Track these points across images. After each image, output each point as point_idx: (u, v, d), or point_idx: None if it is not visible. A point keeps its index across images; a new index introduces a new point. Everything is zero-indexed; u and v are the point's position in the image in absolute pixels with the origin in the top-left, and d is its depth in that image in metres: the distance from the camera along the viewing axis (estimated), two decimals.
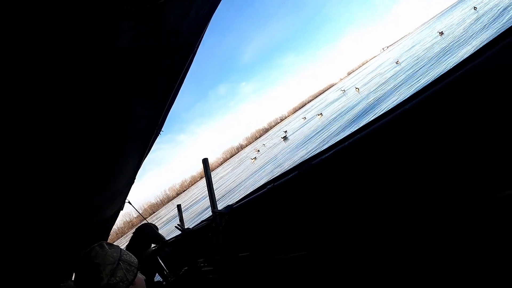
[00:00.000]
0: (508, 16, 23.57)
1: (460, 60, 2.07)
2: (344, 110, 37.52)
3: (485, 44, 1.97)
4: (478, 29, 27.39)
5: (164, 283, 4.25)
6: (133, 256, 1.98)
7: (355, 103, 37.11)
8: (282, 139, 58.07)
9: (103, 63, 1.75)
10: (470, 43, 24.35)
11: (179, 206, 5.37)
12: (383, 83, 36.38)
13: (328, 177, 2.66)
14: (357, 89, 51.01)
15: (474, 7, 44.13)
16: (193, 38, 2.28)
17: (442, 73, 2.13)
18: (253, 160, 60.25)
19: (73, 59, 1.54)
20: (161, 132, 3.15)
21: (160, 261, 4.57)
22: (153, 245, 4.79)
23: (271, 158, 42.32)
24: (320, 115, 53.49)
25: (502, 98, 1.89)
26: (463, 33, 31.38)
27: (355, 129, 2.55)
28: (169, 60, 2.25)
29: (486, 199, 2.07)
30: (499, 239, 1.98)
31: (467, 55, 2.03)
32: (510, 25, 1.92)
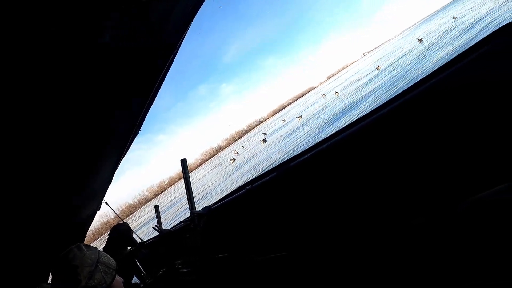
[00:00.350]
0: (483, 25, 24.36)
1: (431, 71, 2.23)
2: (323, 113, 37.97)
3: (453, 58, 2.15)
4: (453, 37, 28.19)
5: (141, 285, 4.21)
6: (111, 258, 1.94)
7: (333, 106, 37.53)
8: (261, 141, 58.11)
9: (84, 60, 1.73)
10: (445, 49, 25.04)
11: (156, 207, 5.33)
12: (362, 87, 36.85)
13: (306, 178, 2.70)
14: (336, 93, 51.31)
15: (454, 17, 45.25)
16: (175, 38, 2.27)
17: (415, 82, 2.29)
18: (232, 161, 60.14)
19: (53, 55, 1.52)
20: (140, 132, 3.12)
21: (137, 263, 4.52)
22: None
23: (250, 160, 42.33)
24: (300, 118, 53.87)
25: (468, 108, 2.06)
26: (440, 40, 32.14)
27: (333, 132, 2.62)
28: (151, 59, 2.24)
29: (448, 210, 2.21)
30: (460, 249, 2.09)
31: (438, 66, 2.19)
32: (476, 41, 2.11)
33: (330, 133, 2.71)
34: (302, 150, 2.82)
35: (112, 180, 4.03)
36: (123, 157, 3.50)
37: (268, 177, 2.94)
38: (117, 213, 4.94)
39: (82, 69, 1.80)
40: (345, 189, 2.55)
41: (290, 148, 28.72)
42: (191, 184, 3.70)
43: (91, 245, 1.94)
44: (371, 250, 2.53)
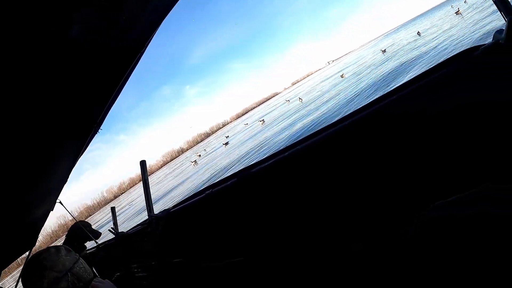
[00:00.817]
0: (442, 40, 25.69)
1: (377, 96, 2.46)
2: (286, 117, 38.69)
3: (398, 86, 2.38)
4: (410, 49, 29.62)
5: None
6: (89, 272, 1.84)
7: (296, 111, 38.27)
8: (224, 144, 58.34)
9: (47, 54, 1.65)
10: (401, 59, 26.38)
11: (113, 209, 5.22)
12: (325, 94, 37.76)
13: (266, 185, 2.76)
14: (300, 99, 52.21)
15: (418, 32, 47.19)
16: (144, 36, 2.22)
17: (364, 104, 2.50)
18: (194, 163, 59.94)
19: (13, 47, 1.44)
20: (100, 130, 3.03)
21: (92, 267, 4.39)
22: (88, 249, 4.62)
23: (211, 162, 42.39)
24: (262, 122, 54.46)
25: (406, 134, 2.29)
26: (403, 53, 33.53)
27: (295, 141, 2.75)
28: (116, 57, 2.17)
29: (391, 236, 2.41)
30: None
31: (385, 93, 2.43)
32: (423, 71, 2.36)
33: (292, 142, 2.81)
34: (264, 157, 2.88)
35: (69, 180, 3.90)
36: (80, 156, 3.37)
37: (228, 182, 2.95)
38: (73, 215, 4.76)
39: (41, 62, 1.71)
40: (301, 199, 2.63)
41: (250, 150, 29.20)
42: (150, 186, 3.65)
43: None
44: (320, 261, 2.63)
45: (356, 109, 2.52)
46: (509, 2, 2.04)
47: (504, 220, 2.02)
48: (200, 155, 74.83)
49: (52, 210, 4.39)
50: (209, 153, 65.52)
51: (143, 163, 3.60)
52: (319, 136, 2.55)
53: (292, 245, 2.71)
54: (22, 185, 2.97)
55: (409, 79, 2.39)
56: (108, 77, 2.34)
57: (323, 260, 2.60)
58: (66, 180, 3.82)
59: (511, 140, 2.07)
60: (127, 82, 2.53)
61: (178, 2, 2.07)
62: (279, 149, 2.81)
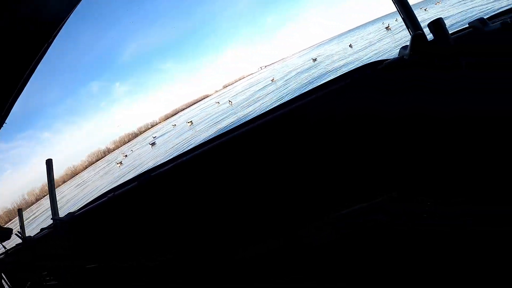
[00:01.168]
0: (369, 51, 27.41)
1: (291, 98, 2.68)
2: (214, 118, 38.98)
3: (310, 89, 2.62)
4: (338, 58, 31.36)
5: None
6: None
7: (225, 113, 38.60)
8: (150, 144, 57.25)
9: None
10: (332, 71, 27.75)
11: (19, 211, 4.97)
12: (253, 96, 38.46)
13: (166, 188, 2.92)
14: (230, 102, 52.63)
15: (350, 45, 49.71)
16: (50, 28, 2.18)
17: (277, 104, 2.72)
18: (119, 164, 58.10)
19: None
20: (4, 124, 2.91)
21: (2, 275, 4.15)
22: None
23: (137, 163, 41.46)
24: (190, 123, 54.43)
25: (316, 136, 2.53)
26: (331, 62, 35.27)
27: (193, 146, 3.00)
28: (20, 46, 2.13)
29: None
30: None
31: (296, 95, 2.67)
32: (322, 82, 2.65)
33: (197, 143, 3.03)
34: (163, 161, 3.05)
35: None
36: None
37: (129, 186, 3.05)
38: None
39: None
40: (201, 200, 2.83)
41: (176, 150, 29.23)
42: (55, 189, 3.57)
43: None
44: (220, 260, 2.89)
45: (267, 110, 2.71)
46: (416, 19, 2.28)
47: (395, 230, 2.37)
48: (126, 155, 72.79)
49: None
50: (136, 154, 63.97)
51: (49, 162, 3.50)
52: (224, 139, 2.74)
53: (194, 245, 2.92)
54: None
55: (317, 85, 2.63)
56: (10, 68, 2.28)
57: (223, 259, 2.87)
58: None
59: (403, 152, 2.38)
60: (34, 74, 2.46)
61: None
62: (179, 153, 3.01)
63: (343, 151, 2.49)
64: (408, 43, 2.28)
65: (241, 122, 2.77)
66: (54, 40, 2.29)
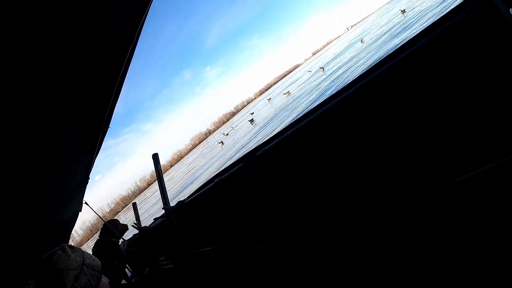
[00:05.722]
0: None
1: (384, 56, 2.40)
2: (310, 88, 38.59)
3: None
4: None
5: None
6: (96, 259, 1.88)
7: (320, 81, 37.88)
8: (249, 121, 58.58)
9: (53, 59, 1.68)
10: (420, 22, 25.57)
11: (134, 204, 5.35)
12: (348, 62, 37.09)
13: (273, 166, 2.80)
14: (322, 69, 51.56)
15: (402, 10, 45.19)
16: (127, 34, 2.16)
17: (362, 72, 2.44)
18: (221, 144, 60.47)
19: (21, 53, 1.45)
20: (109, 128, 3.04)
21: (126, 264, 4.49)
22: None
23: (238, 141, 42.75)
24: (287, 93, 54.66)
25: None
26: (422, 12, 32.69)
27: (293, 120, 2.76)
28: (106, 55, 2.13)
29: None
30: None
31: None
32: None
33: (298, 117, 2.78)
34: (267, 139, 2.90)
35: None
36: (95, 157, 3.41)
37: (235, 168, 3.01)
38: (98, 214, 4.83)
39: (48, 69, 1.73)
40: (313, 175, 2.62)
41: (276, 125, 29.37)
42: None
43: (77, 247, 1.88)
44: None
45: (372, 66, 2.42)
46: None
47: None
48: (227, 134, 75.43)
49: (80, 211, 4.49)
50: (236, 131, 65.99)
51: (155, 157, 3.65)
52: (331, 103, 2.47)
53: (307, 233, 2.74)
54: (46, 189, 3.03)
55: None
56: (104, 77, 2.30)
57: None
58: (87, 181, 3.88)
59: None
60: (126, 77, 2.53)
61: None
62: (282, 128, 2.80)
63: None
64: None
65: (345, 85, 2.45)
66: (138, 42, 2.25)
